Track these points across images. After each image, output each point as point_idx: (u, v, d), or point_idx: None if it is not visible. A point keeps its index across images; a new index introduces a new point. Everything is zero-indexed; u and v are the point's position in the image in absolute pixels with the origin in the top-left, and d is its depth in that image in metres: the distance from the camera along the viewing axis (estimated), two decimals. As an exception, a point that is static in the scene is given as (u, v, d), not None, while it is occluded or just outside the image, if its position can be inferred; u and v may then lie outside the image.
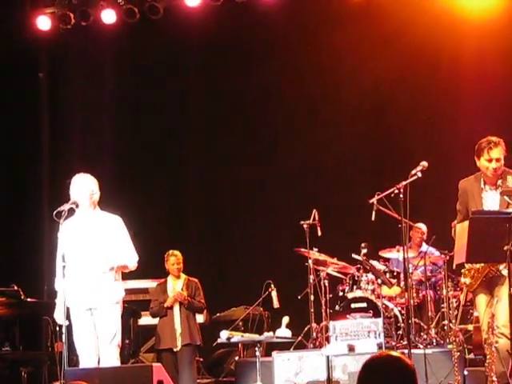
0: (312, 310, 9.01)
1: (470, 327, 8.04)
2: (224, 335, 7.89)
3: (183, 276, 8.98)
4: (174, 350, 8.70)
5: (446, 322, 8.78)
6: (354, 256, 8.99)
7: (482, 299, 6.72)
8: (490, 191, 6.79)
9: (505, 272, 6.49)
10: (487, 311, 6.62)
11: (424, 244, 10.05)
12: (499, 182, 6.76)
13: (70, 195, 7.25)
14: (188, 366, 8.66)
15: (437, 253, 9.53)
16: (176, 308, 8.79)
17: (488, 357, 6.45)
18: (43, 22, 11.54)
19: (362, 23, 11.18)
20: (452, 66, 11.01)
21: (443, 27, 10.90)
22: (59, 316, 7.17)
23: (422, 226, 10.05)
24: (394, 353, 3.21)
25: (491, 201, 6.75)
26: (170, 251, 8.98)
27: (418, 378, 3.13)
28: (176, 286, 8.90)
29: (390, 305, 8.98)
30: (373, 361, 3.17)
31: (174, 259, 8.92)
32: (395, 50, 11.01)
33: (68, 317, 7.08)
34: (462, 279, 6.80)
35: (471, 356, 8.11)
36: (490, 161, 6.71)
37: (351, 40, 11.16)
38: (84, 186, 7.25)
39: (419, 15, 10.91)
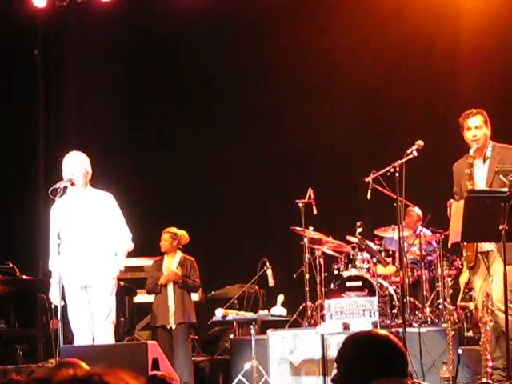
0: (307, 289, 9.00)
1: (472, 305, 8.05)
2: (219, 313, 7.91)
3: (180, 254, 8.88)
4: (168, 327, 8.66)
5: (440, 300, 8.79)
6: (349, 238, 8.98)
7: (478, 278, 6.75)
8: (478, 164, 6.80)
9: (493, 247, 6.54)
10: (482, 290, 6.63)
11: (419, 226, 10.02)
12: (488, 153, 6.73)
13: (63, 173, 7.23)
14: (183, 344, 8.63)
15: (430, 234, 9.50)
16: (170, 286, 8.72)
17: (482, 336, 6.47)
18: (38, -1, 11.46)
19: (357, 4, 11.13)
20: (448, 47, 10.96)
21: (439, 8, 10.84)
22: (55, 297, 7.18)
23: (417, 210, 9.99)
24: (380, 331, 3.09)
25: (480, 172, 6.77)
26: (166, 229, 8.92)
27: (409, 356, 3.06)
28: (171, 263, 8.83)
29: (385, 283, 8.98)
30: (356, 336, 3.07)
31: (165, 236, 8.84)
32: (391, 31, 10.94)
33: (63, 295, 7.09)
34: (464, 253, 6.83)
35: (470, 334, 8.12)
36: (469, 129, 6.74)
37: (347, 21, 11.10)
38: (78, 164, 7.23)
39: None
